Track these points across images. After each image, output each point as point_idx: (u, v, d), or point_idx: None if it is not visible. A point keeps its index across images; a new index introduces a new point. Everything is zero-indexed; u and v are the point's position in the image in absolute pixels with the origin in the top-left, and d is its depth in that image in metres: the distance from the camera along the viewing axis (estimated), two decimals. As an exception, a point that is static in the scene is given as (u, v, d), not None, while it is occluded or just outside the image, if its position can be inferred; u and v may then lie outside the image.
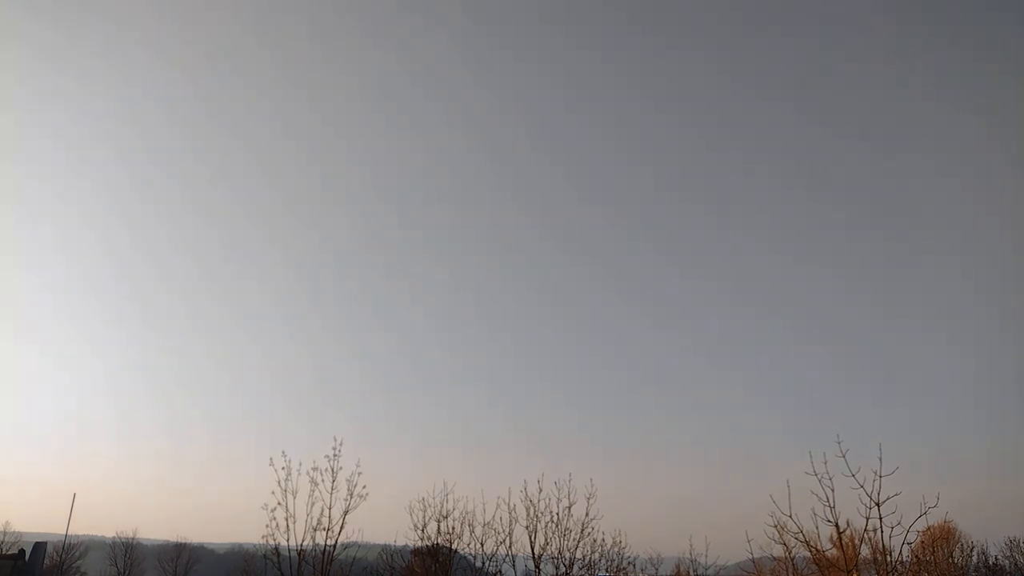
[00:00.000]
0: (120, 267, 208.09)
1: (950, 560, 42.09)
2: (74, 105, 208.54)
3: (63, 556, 55.70)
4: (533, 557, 22.87)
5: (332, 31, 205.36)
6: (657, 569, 29.92)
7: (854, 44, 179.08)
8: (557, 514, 22.91)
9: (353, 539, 21.33)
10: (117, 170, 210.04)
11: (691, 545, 29.12)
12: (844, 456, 17.03)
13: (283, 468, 20.40)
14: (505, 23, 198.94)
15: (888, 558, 17.20)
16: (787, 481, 18.02)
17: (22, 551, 37.88)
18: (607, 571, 23.74)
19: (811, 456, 17.41)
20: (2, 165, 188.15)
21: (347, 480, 21.17)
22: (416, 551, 24.87)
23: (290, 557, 20.09)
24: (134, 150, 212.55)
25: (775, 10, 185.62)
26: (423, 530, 23.18)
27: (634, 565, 25.69)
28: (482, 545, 23.27)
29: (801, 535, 18.75)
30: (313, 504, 20.61)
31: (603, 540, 23.30)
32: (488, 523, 23.35)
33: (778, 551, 25.08)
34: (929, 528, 37.68)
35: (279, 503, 20.20)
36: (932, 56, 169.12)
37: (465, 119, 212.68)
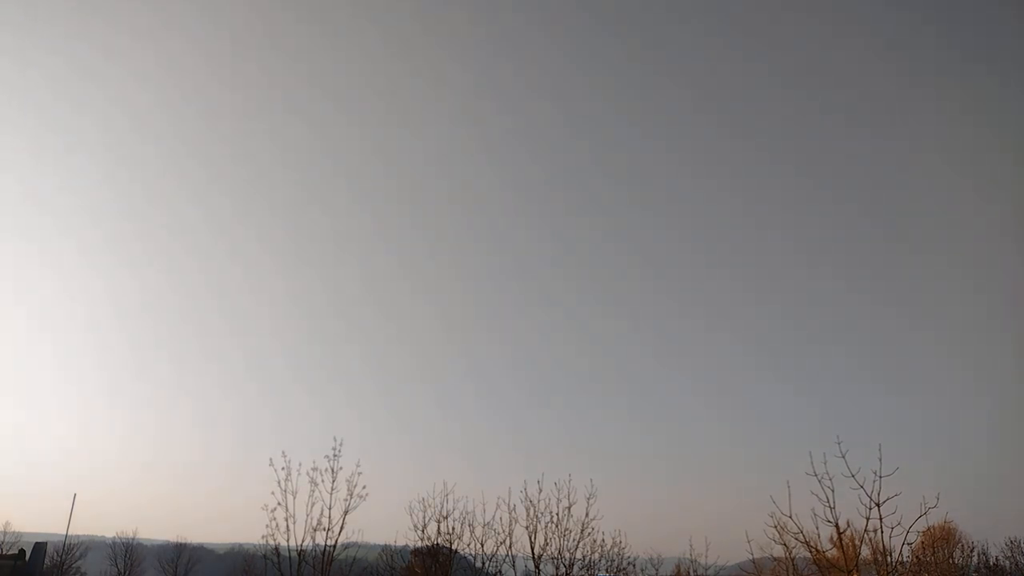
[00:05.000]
0: (122, 263, 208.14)
1: (950, 561, 42.05)
2: (78, 99, 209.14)
3: (63, 556, 55.60)
4: (533, 557, 22.88)
5: (347, 33, 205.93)
6: (657, 570, 29.90)
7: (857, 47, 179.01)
8: (557, 514, 22.96)
9: (353, 539, 21.39)
10: (146, 160, 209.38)
11: (691, 545, 29.25)
12: (844, 456, 17.08)
13: (283, 468, 20.48)
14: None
15: (888, 559, 17.22)
16: (787, 481, 18.07)
17: (22, 551, 37.88)
18: (607, 571, 23.74)
19: (811, 456, 17.47)
20: (8, 168, 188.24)
21: (347, 480, 21.24)
22: (416, 551, 24.88)
23: (290, 557, 20.11)
24: (157, 136, 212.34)
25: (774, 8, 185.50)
26: (423, 530, 23.22)
27: (634, 565, 25.69)
28: (482, 545, 23.31)
29: (801, 535, 18.80)
30: (313, 504, 20.69)
31: (603, 540, 23.35)
32: (488, 523, 23.40)
33: (778, 551, 25.17)
34: (929, 528, 37.63)
35: (279, 503, 20.25)
36: (933, 55, 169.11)
37: (481, 129, 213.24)
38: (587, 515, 22.86)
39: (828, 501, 17.44)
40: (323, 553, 20.63)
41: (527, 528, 22.98)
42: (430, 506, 23.35)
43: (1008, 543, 45.32)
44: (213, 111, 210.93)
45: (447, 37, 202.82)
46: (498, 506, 23.36)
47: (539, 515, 22.96)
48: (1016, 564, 44.45)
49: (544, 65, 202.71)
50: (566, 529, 22.84)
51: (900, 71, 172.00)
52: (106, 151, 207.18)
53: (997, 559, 45.27)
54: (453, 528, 23.23)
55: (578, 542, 22.88)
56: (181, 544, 76.12)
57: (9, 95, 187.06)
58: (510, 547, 23.10)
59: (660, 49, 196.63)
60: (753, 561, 31.06)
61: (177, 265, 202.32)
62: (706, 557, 28.42)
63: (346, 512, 20.91)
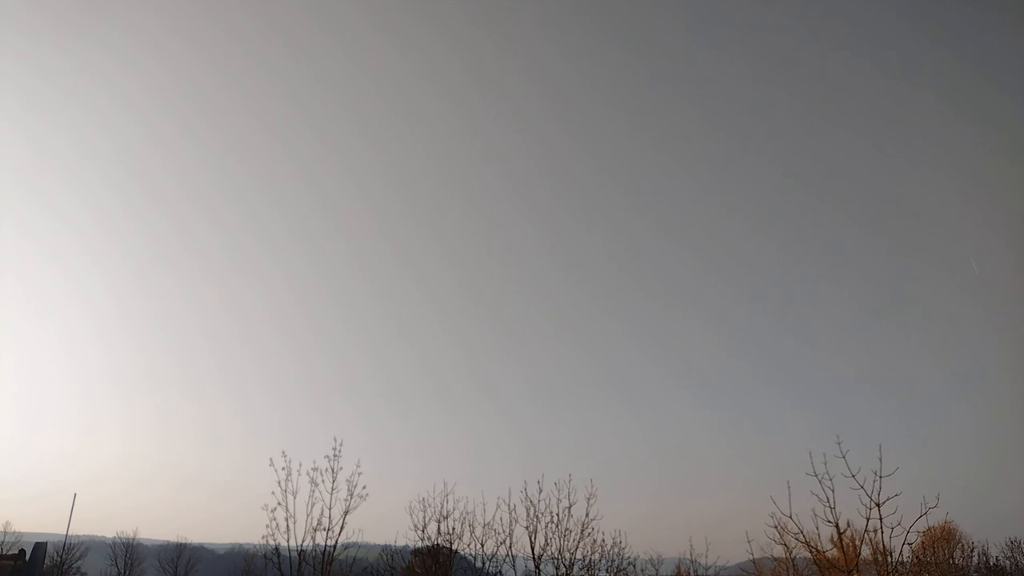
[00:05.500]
0: (127, 264, 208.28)
1: (951, 561, 42.08)
2: (85, 101, 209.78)
3: (63, 556, 55.64)
4: (533, 558, 22.87)
5: (354, 35, 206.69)
6: (657, 570, 29.92)
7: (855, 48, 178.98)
8: (557, 515, 22.95)
9: (353, 539, 21.34)
10: (153, 166, 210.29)
11: (691, 546, 29.21)
12: (844, 457, 17.04)
13: (283, 468, 20.41)
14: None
15: (889, 559, 17.20)
16: (787, 481, 18.05)
17: (22, 551, 37.91)
18: (607, 572, 23.74)
19: (811, 457, 17.44)
20: (12, 160, 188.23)
21: (347, 480, 21.19)
22: (416, 551, 24.87)
23: (290, 557, 20.08)
24: (165, 143, 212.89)
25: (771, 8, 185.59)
26: (423, 531, 23.21)
27: (634, 566, 25.70)
28: (482, 546, 23.31)
29: (802, 536, 18.77)
30: (313, 504, 20.63)
31: (603, 541, 23.35)
32: (488, 523, 23.41)
33: (778, 552, 25.13)
34: (930, 529, 37.62)
35: (279, 503, 20.20)
36: (932, 58, 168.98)
37: (483, 132, 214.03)
38: (587, 515, 22.89)
39: (828, 501, 17.42)
40: (323, 553, 20.60)
41: (527, 528, 22.99)
42: (430, 506, 23.40)
43: (1008, 543, 45.39)
44: (222, 117, 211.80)
45: (456, 46, 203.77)
46: (498, 506, 23.39)
47: (539, 515, 22.99)
48: (1016, 564, 44.47)
49: (552, 75, 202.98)
50: (566, 529, 22.85)
51: (899, 77, 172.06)
52: (116, 158, 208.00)
53: (997, 559, 45.34)
54: (453, 528, 23.26)
55: (578, 542, 22.90)
56: (181, 544, 76.15)
57: (16, 95, 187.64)
58: (510, 547, 23.12)
59: (663, 58, 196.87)
60: (753, 561, 31.06)
61: (181, 267, 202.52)
62: (706, 557, 28.44)
63: (346, 512, 20.88)
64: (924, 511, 16.45)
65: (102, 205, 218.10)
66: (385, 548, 25.78)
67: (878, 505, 16.67)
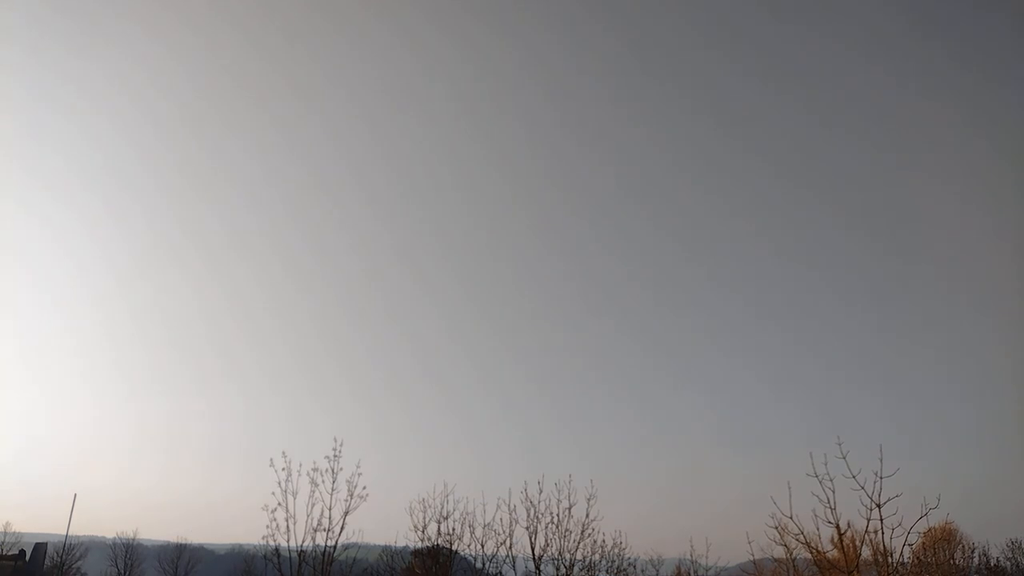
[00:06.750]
0: (132, 263, 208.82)
1: (951, 562, 41.95)
2: (100, 100, 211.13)
3: (63, 557, 55.61)
4: (534, 558, 22.85)
5: (362, 32, 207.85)
6: (658, 570, 29.80)
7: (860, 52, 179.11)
8: (557, 515, 22.93)
9: (353, 540, 21.33)
10: (163, 163, 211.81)
11: (692, 546, 29.11)
12: (845, 457, 16.99)
13: (283, 469, 20.40)
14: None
15: (889, 559, 17.17)
16: (788, 482, 18.01)
17: (22, 552, 37.97)
18: (608, 572, 23.71)
19: (812, 457, 17.39)
20: (22, 160, 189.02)
21: (347, 481, 21.17)
22: (416, 552, 24.85)
23: (290, 558, 20.06)
24: (173, 137, 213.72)
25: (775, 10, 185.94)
26: (423, 531, 23.19)
27: (635, 566, 25.63)
28: (482, 546, 23.29)
29: (802, 536, 18.74)
30: (313, 505, 20.61)
31: (603, 541, 23.32)
32: (488, 524, 23.39)
33: (779, 552, 25.10)
34: (930, 529, 37.45)
35: (279, 504, 20.18)
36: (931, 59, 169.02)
37: (487, 130, 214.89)
38: (587, 516, 22.87)
39: (829, 502, 17.38)
40: (323, 554, 20.57)
41: (527, 529, 22.97)
42: (430, 507, 23.38)
43: (1009, 544, 45.32)
44: (229, 111, 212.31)
45: (461, 44, 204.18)
46: (498, 507, 23.37)
47: (540, 516, 22.97)
48: (1017, 565, 44.41)
49: (557, 75, 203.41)
50: (567, 530, 22.83)
51: (901, 77, 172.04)
52: (127, 153, 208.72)
53: (998, 560, 45.26)
54: (453, 529, 23.24)
55: (578, 543, 22.87)
56: (181, 545, 75.99)
57: (39, 99, 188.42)
58: (510, 548, 23.10)
59: (670, 59, 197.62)
60: (754, 562, 31.04)
61: (184, 266, 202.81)
62: (707, 558, 28.31)
63: (346, 513, 20.86)
64: (925, 512, 16.43)
65: (111, 201, 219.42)
66: (385, 549, 25.78)
67: (879, 506, 16.64)
